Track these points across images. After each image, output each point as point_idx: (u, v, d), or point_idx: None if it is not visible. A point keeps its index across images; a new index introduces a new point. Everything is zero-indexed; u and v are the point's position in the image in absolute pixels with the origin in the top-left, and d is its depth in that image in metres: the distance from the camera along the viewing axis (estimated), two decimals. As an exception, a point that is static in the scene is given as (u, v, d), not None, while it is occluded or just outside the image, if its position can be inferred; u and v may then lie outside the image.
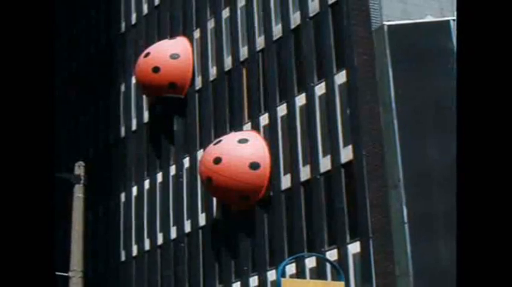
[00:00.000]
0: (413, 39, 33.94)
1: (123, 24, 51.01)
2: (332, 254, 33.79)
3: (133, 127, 48.14)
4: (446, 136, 31.11)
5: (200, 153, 41.74)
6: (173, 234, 43.36)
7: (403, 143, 32.36)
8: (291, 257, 32.63)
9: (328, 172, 35.05)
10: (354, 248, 33.25)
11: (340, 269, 29.57)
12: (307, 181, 35.96)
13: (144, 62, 44.64)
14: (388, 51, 33.45)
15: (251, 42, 40.59)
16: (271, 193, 37.62)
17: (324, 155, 35.32)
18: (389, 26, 33.90)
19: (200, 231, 41.66)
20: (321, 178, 35.34)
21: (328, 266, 33.04)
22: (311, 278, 33.69)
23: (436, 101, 32.71)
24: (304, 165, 36.21)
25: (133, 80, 47.93)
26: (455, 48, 32.21)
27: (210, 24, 43.61)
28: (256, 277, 37.80)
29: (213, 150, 38.60)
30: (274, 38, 39.28)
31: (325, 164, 35.21)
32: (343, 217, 33.91)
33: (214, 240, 40.72)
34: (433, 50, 33.49)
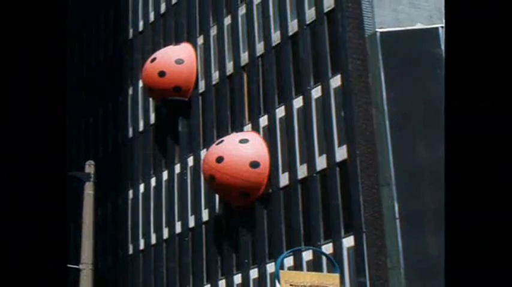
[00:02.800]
0: (404, 45, 33.97)
1: (130, 31, 51.01)
2: (328, 248, 33.80)
3: (141, 128, 48.13)
4: (435, 136, 31.12)
5: (203, 152, 41.73)
6: (178, 229, 43.36)
7: (394, 143, 32.37)
8: (289, 251, 32.72)
9: (324, 170, 35.05)
10: (348, 242, 33.25)
11: (335, 261, 29.64)
12: (304, 179, 35.96)
13: (151, 67, 44.63)
14: (380, 57, 33.48)
15: (251, 48, 40.58)
16: (270, 190, 37.61)
17: (320, 154, 35.32)
18: (381, 32, 33.92)
19: (203, 226, 41.66)
20: (317, 176, 35.34)
21: (324, 259, 33.05)
22: (308, 270, 33.68)
23: (426, 103, 32.73)
24: (301, 164, 36.21)
25: (141, 84, 47.92)
26: (443, 54, 32.22)
27: (213, 31, 43.61)
28: (256, 270, 37.81)
29: (216, 149, 38.60)
30: (273, 44, 39.28)
31: (321, 163, 35.21)
32: (338, 212, 33.92)
33: (216, 235, 40.72)
34: (423, 56, 33.52)
